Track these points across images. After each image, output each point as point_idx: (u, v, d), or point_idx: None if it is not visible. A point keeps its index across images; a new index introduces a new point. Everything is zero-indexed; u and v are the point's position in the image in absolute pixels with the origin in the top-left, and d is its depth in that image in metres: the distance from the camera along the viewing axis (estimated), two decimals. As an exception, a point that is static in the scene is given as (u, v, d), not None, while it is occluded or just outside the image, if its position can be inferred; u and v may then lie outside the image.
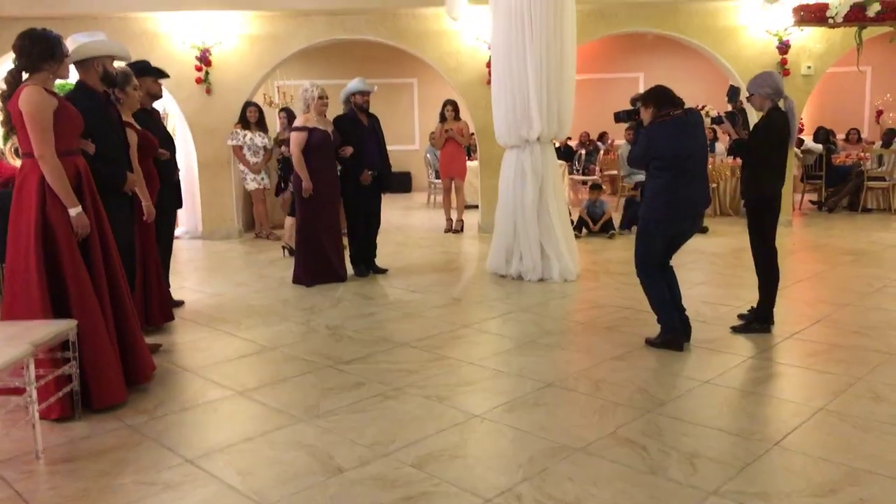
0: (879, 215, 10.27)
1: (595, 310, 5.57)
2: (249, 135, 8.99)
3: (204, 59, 9.07)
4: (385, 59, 12.98)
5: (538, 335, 4.91)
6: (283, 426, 3.47)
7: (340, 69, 14.27)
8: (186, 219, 9.53)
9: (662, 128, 4.39)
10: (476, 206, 10.27)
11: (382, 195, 7.03)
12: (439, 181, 10.40)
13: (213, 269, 7.61)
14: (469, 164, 10.33)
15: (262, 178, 9.14)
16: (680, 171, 4.37)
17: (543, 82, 6.38)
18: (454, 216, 9.63)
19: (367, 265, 6.90)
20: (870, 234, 8.70)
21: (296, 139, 6.29)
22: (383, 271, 6.96)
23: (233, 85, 9.22)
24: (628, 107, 4.84)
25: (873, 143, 11.35)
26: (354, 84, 6.68)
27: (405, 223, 10.67)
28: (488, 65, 8.12)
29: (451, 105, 9.49)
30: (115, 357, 3.72)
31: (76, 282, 3.56)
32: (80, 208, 3.56)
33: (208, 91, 9.17)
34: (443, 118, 9.51)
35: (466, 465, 3.05)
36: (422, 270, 7.20)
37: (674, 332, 4.52)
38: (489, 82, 6.98)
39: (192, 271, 7.53)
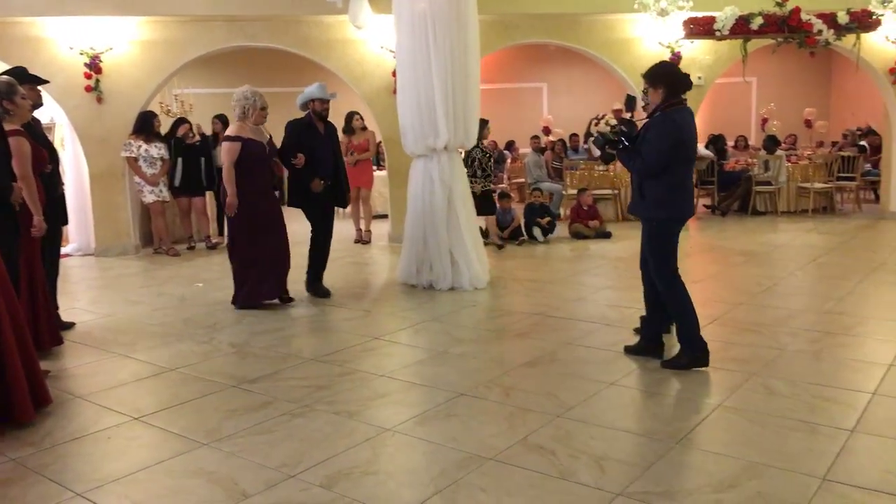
0: (768, 218, 10.89)
1: (505, 317, 5.62)
2: (144, 146, 8.58)
3: (94, 66, 8.60)
4: (289, 67, 12.72)
5: (450, 344, 4.89)
6: (182, 452, 3.29)
7: (242, 77, 13.82)
8: (77, 235, 9.00)
9: (686, 114, 4.12)
10: (386, 216, 10.20)
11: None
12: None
13: (106, 287, 7.20)
14: (377, 173, 10.26)
15: (161, 191, 8.74)
16: (691, 164, 4.24)
17: (449, 91, 6.41)
18: (363, 226, 9.52)
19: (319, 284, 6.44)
20: (759, 236, 9.20)
21: (228, 150, 5.71)
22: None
23: (126, 93, 8.79)
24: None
25: (759, 149, 12.04)
26: (314, 90, 6.25)
27: (313, 234, 10.45)
28: (394, 74, 8.10)
29: (358, 116, 9.40)
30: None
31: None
32: None
33: (99, 100, 8.71)
34: (350, 130, 9.39)
35: (378, 481, 2.98)
36: (330, 282, 7.05)
37: (702, 347, 4.19)
38: (395, 91, 6.95)
39: (83, 291, 7.10)
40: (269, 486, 2.94)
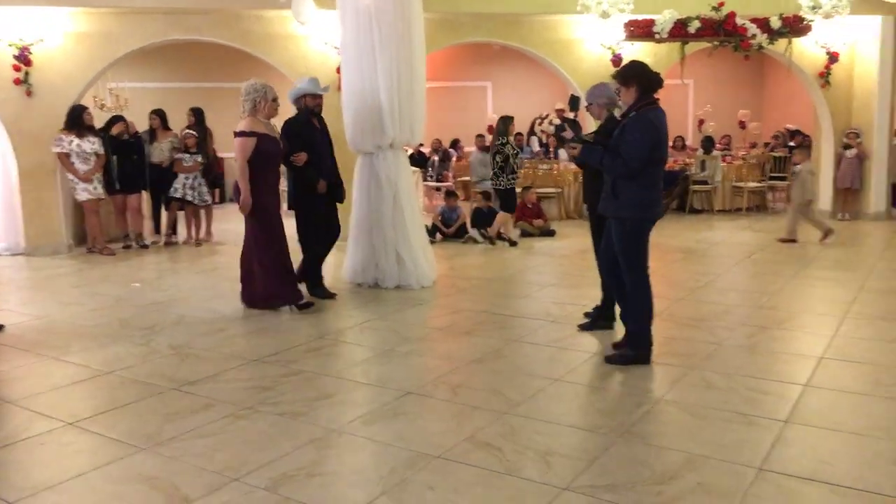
0: (704, 216, 11.23)
1: (452, 315, 5.63)
2: (77, 140, 8.24)
3: (23, 59, 8.24)
4: (230, 62, 12.45)
5: (396, 343, 4.87)
6: (120, 458, 3.18)
7: (181, 72, 13.57)
8: (6, 233, 8.62)
9: (659, 113, 4.15)
10: (330, 214, 10.08)
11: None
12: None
13: (37, 288, 6.92)
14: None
15: (95, 188, 8.42)
16: (663, 164, 4.28)
17: (394, 88, 6.38)
18: (307, 224, 9.38)
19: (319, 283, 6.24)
20: (697, 234, 9.47)
21: (243, 145, 5.35)
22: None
23: (58, 87, 8.44)
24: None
25: (696, 149, 12.39)
26: (307, 85, 6.01)
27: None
28: (338, 70, 8.01)
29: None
30: None
31: None
32: None
33: (29, 93, 8.34)
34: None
35: (324, 483, 2.95)
36: (274, 281, 6.94)
37: (647, 346, 4.29)
38: (340, 88, 6.87)
39: (12, 291, 6.80)
40: (212, 491, 2.87)
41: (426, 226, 7.76)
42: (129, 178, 8.75)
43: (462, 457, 3.13)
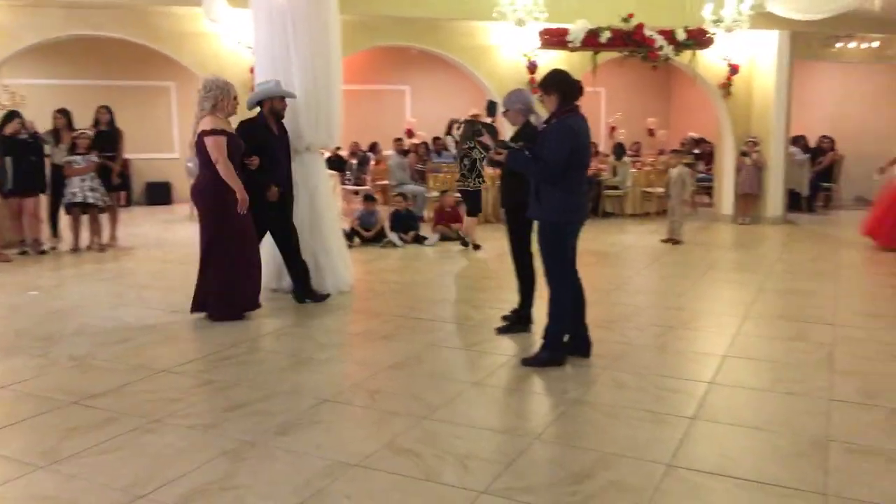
0: (616, 220, 11.59)
1: (371, 320, 5.58)
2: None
3: None
4: (137, 59, 11.98)
5: (313, 350, 4.78)
6: (16, 477, 2.98)
7: (83, 69, 12.93)
8: None
9: (580, 120, 4.25)
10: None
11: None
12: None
13: (-78, 297, 6.42)
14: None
15: (-13, 190, 7.89)
16: (585, 169, 4.37)
17: (311, 90, 6.27)
18: (220, 229, 9.10)
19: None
20: (609, 237, 9.76)
21: (218, 143, 5.13)
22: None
23: (-55, 81, 7.89)
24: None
25: (608, 156, 12.78)
26: (273, 88, 5.82)
27: (167, 237, 9.89)
28: (252, 70, 7.81)
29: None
30: None
31: None
32: None
33: (-89, 87, 7.76)
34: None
35: (237, 496, 2.85)
36: (186, 289, 6.67)
37: (561, 349, 4.37)
38: (253, 89, 6.71)
39: None
40: (116, 510, 2.72)
41: (344, 230, 7.68)
42: (26, 179, 8.22)
43: (380, 464, 3.10)
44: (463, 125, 8.64)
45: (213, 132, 5.17)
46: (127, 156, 10.15)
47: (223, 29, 8.55)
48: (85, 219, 8.64)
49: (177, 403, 3.80)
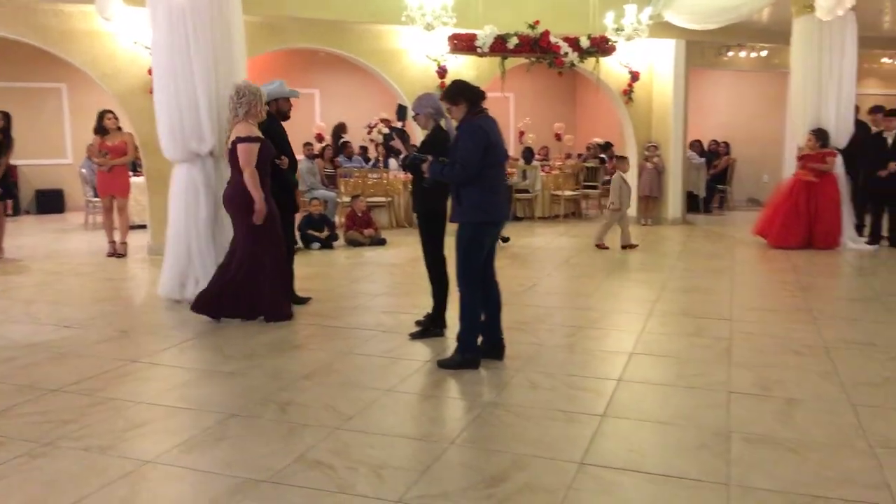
0: (526, 223, 11.79)
1: (280, 329, 5.42)
2: None
3: None
4: (25, 59, 11.26)
5: (219, 363, 4.60)
6: None
7: (-37, 68, 12.03)
8: None
9: (489, 120, 4.34)
10: (144, 227, 9.39)
11: None
12: (98, 200, 9.30)
13: None
14: (134, 179, 9.41)
15: None
16: (501, 168, 4.42)
17: (213, 93, 6.06)
18: (117, 238, 8.67)
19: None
20: (520, 240, 9.88)
21: (250, 151, 5.20)
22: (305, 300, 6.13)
23: None
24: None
25: (517, 160, 12.99)
26: (280, 89, 5.80)
27: (59, 248, 9.31)
28: (150, 72, 7.47)
29: (112, 114, 8.54)
30: None
31: None
32: None
33: None
34: (102, 130, 8.50)
35: (136, 521, 2.69)
36: (79, 302, 6.32)
37: (474, 351, 4.41)
38: (153, 91, 6.41)
39: None
40: (-1, 545, 2.51)
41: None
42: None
43: (291, 478, 3.00)
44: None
45: (247, 139, 5.25)
46: (15, 161, 9.54)
47: (118, 28, 8.14)
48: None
49: (70, 425, 3.56)
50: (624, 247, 8.97)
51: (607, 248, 9.04)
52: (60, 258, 8.53)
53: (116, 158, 8.46)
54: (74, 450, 3.28)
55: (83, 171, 11.26)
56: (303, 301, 6.10)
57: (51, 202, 13.21)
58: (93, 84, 9.04)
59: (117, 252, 8.58)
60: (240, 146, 5.25)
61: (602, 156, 13.63)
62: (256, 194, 5.25)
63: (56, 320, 5.62)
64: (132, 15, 7.76)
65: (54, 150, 13.29)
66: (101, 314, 5.85)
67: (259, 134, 5.36)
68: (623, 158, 9.67)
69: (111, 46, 8.30)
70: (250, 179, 5.24)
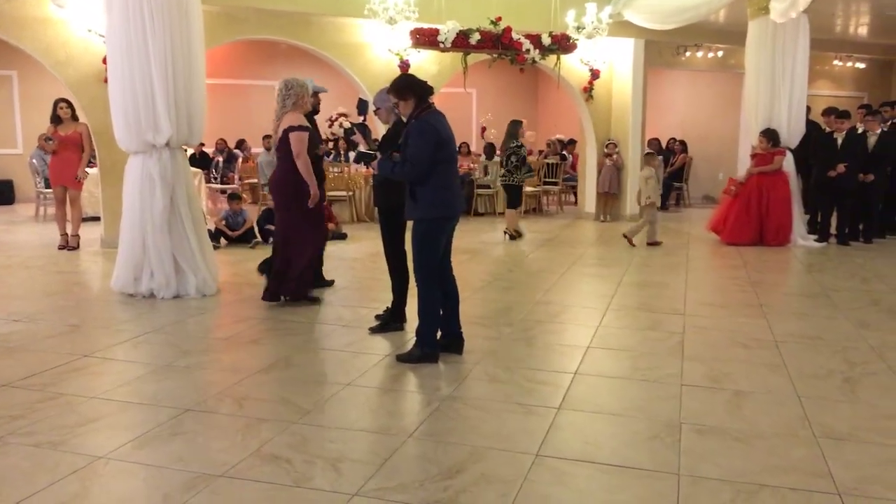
0: (487, 218, 11.85)
1: (238, 324, 5.37)
2: None
3: None
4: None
5: (175, 357, 4.53)
6: None
7: None
8: None
9: (438, 116, 4.32)
10: (97, 219, 9.18)
11: None
12: (50, 191, 9.06)
13: None
14: (88, 170, 9.19)
15: None
16: (453, 163, 4.41)
17: (170, 83, 5.96)
18: (69, 230, 8.46)
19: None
20: (480, 235, 9.96)
21: (302, 139, 5.52)
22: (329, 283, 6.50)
23: None
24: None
25: (480, 155, 13.05)
26: (312, 83, 6.06)
27: (8, 240, 9.06)
28: (105, 60, 7.31)
29: (66, 104, 8.33)
30: None
31: None
32: None
33: None
34: (57, 120, 8.29)
35: (87, 518, 2.64)
36: (30, 295, 6.17)
37: (433, 345, 4.43)
38: (107, 80, 6.27)
39: None
40: (-57, 544, 2.45)
41: (209, 230, 7.36)
42: None
43: (247, 473, 2.98)
44: (511, 125, 9.40)
45: (299, 128, 5.54)
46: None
47: (71, 15, 7.93)
48: None
49: (19, 420, 3.48)
50: (650, 243, 8.95)
51: (660, 242, 9.02)
52: (10, 251, 8.30)
53: (66, 148, 8.24)
54: (24, 446, 3.21)
55: (33, 161, 10.97)
56: (328, 283, 6.51)
57: (0, 193, 12.83)
58: (45, 72, 8.80)
59: (69, 245, 8.38)
60: (292, 135, 5.51)
61: (563, 152, 13.76)
62: (311, 180, 5.56)
63: (5, 314, 5.47)
64: (86, 2, 7.57)
65: (4, 139, 12.92)
66: (52, 308, 5.72)
67: (307, 123, 5.66)
68: (651, 154, 9.57)
69: (64, 34, 8.09)
70: (304, 166, 5.53)
